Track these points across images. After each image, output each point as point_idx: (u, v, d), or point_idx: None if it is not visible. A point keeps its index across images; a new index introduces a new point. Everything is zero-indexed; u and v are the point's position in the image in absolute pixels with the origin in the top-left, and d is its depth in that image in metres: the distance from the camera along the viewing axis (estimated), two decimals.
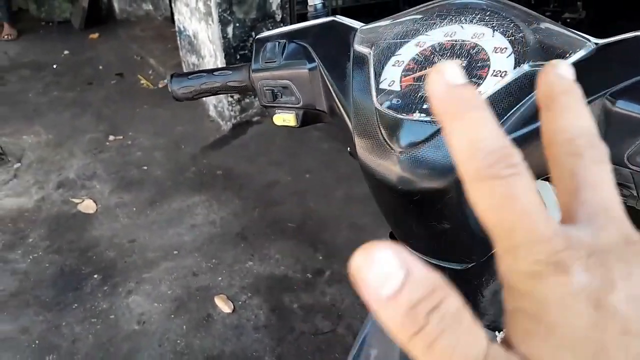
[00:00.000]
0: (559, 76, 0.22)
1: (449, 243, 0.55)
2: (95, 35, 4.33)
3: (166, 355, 1.67)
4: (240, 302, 1.87)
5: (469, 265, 0.57)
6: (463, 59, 0.48)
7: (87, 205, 2.32)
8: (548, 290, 0.17)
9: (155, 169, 2.59)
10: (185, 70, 3.29)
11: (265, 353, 1.68)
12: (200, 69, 3.06)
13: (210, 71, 0.72)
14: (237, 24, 2.68)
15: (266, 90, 0.64)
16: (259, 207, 2.34)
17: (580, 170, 0.20)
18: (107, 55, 3.87)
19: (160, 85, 3.46)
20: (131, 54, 3.88)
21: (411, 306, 0.17)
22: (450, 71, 0.20)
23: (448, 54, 0.49)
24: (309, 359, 1.67)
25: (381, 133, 0.48)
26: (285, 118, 0.65)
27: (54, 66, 3.68)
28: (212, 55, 2.79)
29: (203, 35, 2.83)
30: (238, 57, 2.69)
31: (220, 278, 1.96)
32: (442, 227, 0.52)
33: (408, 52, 0.52)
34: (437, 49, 0.50)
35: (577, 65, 0.44)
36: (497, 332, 0.65)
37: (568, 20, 3.75)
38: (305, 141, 2.81)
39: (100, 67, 3.66)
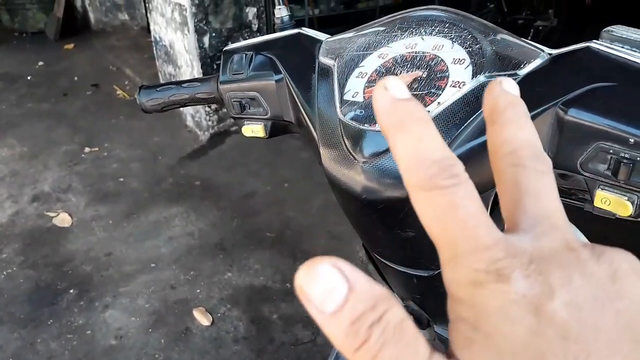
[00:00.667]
0: (504, 91, 0.23)
1: (414, 250, 0.56)
2: (71, 46, 4.29)
3: None
4: (219, 314, 1.85)
5: (435, 272, 0.58)
6: (423, 70, 0.49)
7: (63, 219, 2.28)
8: (488, 299, 0.18)
9: (132, 181, 2.57)
10: (161, 81, 3.27)
11: None
12: (176, 79, 3.04)
13: (179, 83, 0.72)
14: (214, 34, 2.68)
15: (234, 102, 0.65)
16: (238, 218, 2.33)
17: (523, 180, 0.21)
18: (82, 65, 3.83)
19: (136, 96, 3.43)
20: (107, 64, 3.84)
21: (353, 320, 0.17)
22: (395, 86, 0.21)
23: (409, 65, 0.50)
24: None
25: (345, 143, 0.48)
26: (253, 129, 0.66)
27: (28, 77, 3.62)
28: (188, 65, 2.78)
29: (179, 45, 2.82)
30: (215, 66, 2.69)
31: (198, 290, 1.94)
32: (407, 234, 0.53)
33: (371, 63, 0.53)
34: (399, 61, 0.51)
35: (531, 75, 0.45)
36: None
37: (540, 28, 3.83)
38: (283, 151, 2.82)
39: (76, 78, 3.62)
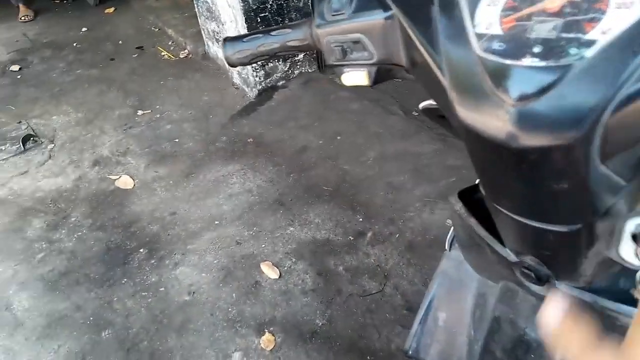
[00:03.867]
0: None
1: (561, 204, 0.50)
2: (111, 10, 4.28)
3: (219, 323, 1.70)
4: (285, 268, 1.87)
5: (575, 227, 0.53)
6: None
7: (125, 181, 2.33)
8: None
9: (187, 141, 2.58)
10: (204, 38, 3.24)
11: (315, 316, 1.70)
12: (221, 35, 2.99)
13: (267, 31, 0.66)
14: None
15: (334, 47, 0.58)
16: (293, 173, 2.32)
17: None
18: (125, 29, 3.83)
19: (181, 56, 3.42)
20: (149, 25, 3.83)
21: None
22: None
23: None
24: (359, 320, 1.67)
25: (487, 84, 0.42)
26: (356, 77, 0.60)
27: (75, 44, 3.65)
28: (232, 20, 2.73)
29: (222, 1, 2.76)
30: (259, 19, 2.62)
31: (263, 245, 1.97)
32: (559, 187, 0.47)
33: None
34: None
35: None
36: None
37: None
38: (332, 103, 2.76)
39: (120, 42, 3.62)
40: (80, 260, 1.97)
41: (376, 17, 0.54)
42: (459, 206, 0.70)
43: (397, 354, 1.57)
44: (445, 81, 0.47)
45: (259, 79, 2.83)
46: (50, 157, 2.55)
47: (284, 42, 0.65)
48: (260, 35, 0.67)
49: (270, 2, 2.63)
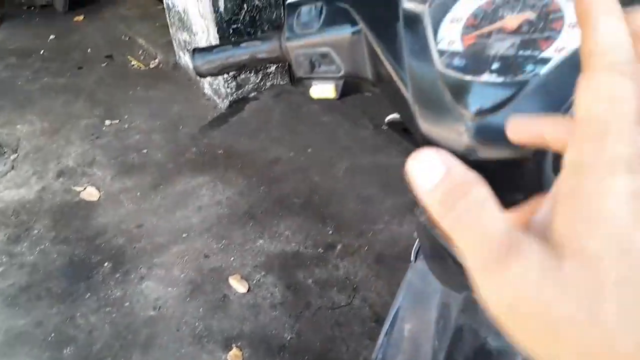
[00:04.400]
0: None
1: None
2: (80, 18, 4.21)
3: (185, 339, 1.67)
4: (254, 281, 1.86)
5: None
6: (531, 12, 0.43)
7: (90, 193, 2.28)
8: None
9: (156, 152, 2.55)
10: (175, 48, 3.21)
11: (284, 330, 1.68)
12: (192, 46, 2.98)
13: (236, 43, 0.66)
14: None
15: (303, 60, 0.59)
16: (264, 185, 2.31)
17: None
18: (94, 37, 3.76)
19: (151, 65, 3.38)
20: (119, 34, 3.77)
21: (445, 194, 0.22)
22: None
23: (512, 7, 0.44)
24: (328, 334, 1.67)
25: (447, 99, 0.43)
26: (323, 90, 0.60)
27: (41, 52, 3.57)
28: (204, 31, 2.71)
29: (193, 11, 2.74)
30: (231, 31, 2.62)
31: (232, 258, 1.95)
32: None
33: (466, 6, 0.47)
34: (500, 2, 0.45)
35: None
36: None
37: None
38: (303, 115, 2.77)
39: (89, 50, 3.56)
40: (42, 275, 1.91)
41: (344, 32, 0.55)
42: (423, 217, 0.71)
43: None
44: (408, 95, 0.48)
45: (231, 90, 2.82)
46: (13, 167, 2.48)
47: (253, 54, 0.65)
48: (230, 46, 0.67)
49: (243, 14, 2.63)
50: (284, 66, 2.93)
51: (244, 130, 2.69)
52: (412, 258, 0.87)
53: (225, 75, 2.77)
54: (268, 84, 2.94)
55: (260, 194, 2.26)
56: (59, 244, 2.04)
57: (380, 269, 1.86)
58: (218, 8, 2.58)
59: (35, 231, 2.11)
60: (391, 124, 0.62)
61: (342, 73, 0.58)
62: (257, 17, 2.68)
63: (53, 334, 1.70)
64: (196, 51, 0.68)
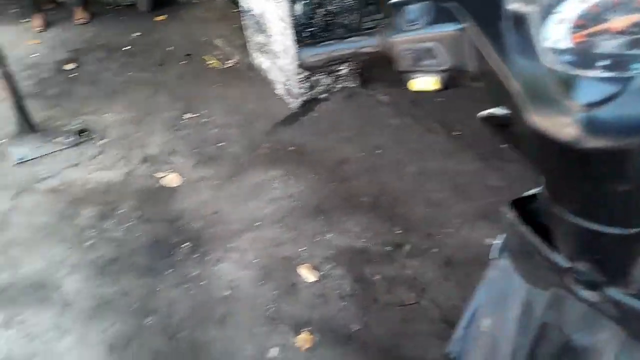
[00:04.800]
0: None
1: (621, 205, 0.55)
2: (162, 18, 4.45)
3: (258, 319, 1.75)
4: (323, 272, 1.92)
5: (633, 230, 0.57)
6: (638, 14, 0.47)
7: (171, 179, 2.42)
8: None
9: (231, 145, 2.67)
10: (249, 50, 3.36)
11: (352, 321, 1.74)
12: (268, 48, 3.11)
13: (340, 38, 0.74)
14: (305, 0, 2.70)
15: (407, 54, 0.65)
16: (334, 182, 2.39)
17: None
18: (174, 36, 3.98)
19: (227, 65, 3.54)
20: (197, 35, 3.97)
21: None
22: None
23: (618, 10, 0.48)
24: (395, 329, 1.71)
25: (555, 92, 0.48)
26: (425, 82, 0.66)
27: (127, 48, 3.81)
28: (280, 33, 2.83)
29: (271, 14, 2.86)
30: (306, 34, 2.72)
31: (302, 249, 2.03)
32: (620, 188, 0.52)
33: (571, 8, 0.51)
34: (606, 5, 0.49)
35: None
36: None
37: None
38: (373, 118, 2.83)
39: (170, 48, 3.76)
40: (127, 249, 2.05)
41: (449, 29, 0.61)
42: (512, 214, 0.75)
43: None
44: (514, 89, 0.53)
45: (303, 90, 2.92)
46: (101, 151, 2.66)
47: (356, 48, 0.72)
48: (334, 41, 0.74)
49: (318, 18, 2.73)
50: (355, 69, 3.00)
51: (315, 129, 2.78)
52: (494, 255, 0.90)
53: (299, 76, 2.88)
54: (339, 86, 3.02)
55: (330, 191, 2.34)
56: (143, 224, 2.18)
57: (449, 272, 1.88)
58: (294, 12, 2.69)
59: (122, 210, 2.26)
60: (485, 119, 0.67)
61: (445, 67, 0.64)
62: (331, 22, 2.77)
63: (137, 304, 1.83)
64: (302, 46, 0.75)
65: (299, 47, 0.78)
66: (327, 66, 0.78)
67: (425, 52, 0.65)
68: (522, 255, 0.80)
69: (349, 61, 0.76)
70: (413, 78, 0.69)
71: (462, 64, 0.64)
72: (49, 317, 1.81)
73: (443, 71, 0.66)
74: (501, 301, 0.87)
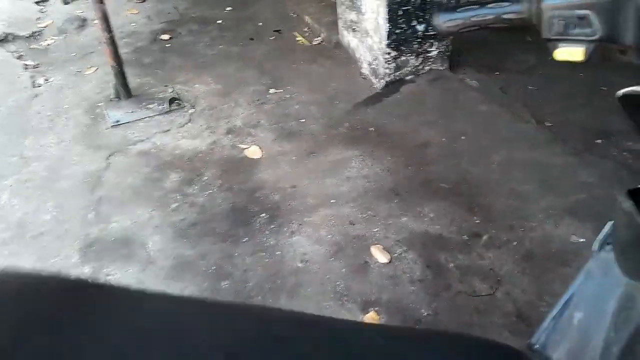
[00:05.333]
0: None
1: None
2: None
3: (327, 293, 1.77)
4: (395, 254, 1.91)
5: None
6: None
7: (253, 151, 2.49)
8: None
9: (312, 122, 2.70)
10: (340, 27, 3.34)
11: (421, 306, 1.71)
12: (359, 26, 3.08)
13: (483, 3, 0.70)
14: None
15: (557, 21, 0.61)
16: (412, 166, 2.34)
17: None
18: (265, 12, 4.05)
19: (315, 42, 3.55)
20: (288, 11, 4.01)
21: None
22: None
23: None
24: (466, 319, 1.67)
25: None
26: (572, 52, 0.62)
27: (219, 21, 3.93)
28: (373, 11, 2.79)
29: None
30: (400, 12, 2.66)
31: (375, 229, 2.01)
32: None
33: None
34: None
35: None
36: None
37: None
38: (460, 103, 2.73)
39: (260, 24, 3.84)
40: (208, 215, 2.14)
41: None
42: (628, 204, 0.70)
43: None
44: None
45: (389, 70, 2.87)
46: (190, 120, 2.78)
47: (498, 14, 0.68)
48: (475, 6, 0.70)
49: None
50: (445, 51, 2.90)
51: (398, 111, 2.73)
52: (596, 247, 0.85)
53: (387, 56, 2.83)
54: (427, 68, 2.94)
55: (407, 174, 2.30)
56: (224, 192, 2.26)
57: (528, 267, 1.80)
58: None
59: (205, 177, 2.36)
60: (626, 97, 0.61)
61: (598, 36, 0.58)
62: (427, 1, 2.69)
63: (214, 267, 1.91)
64: (439, 9, 0.72)
65: (436, 11, 0.75)
66: (464, 32, 0.75)
67: (578, 19, 0.61)
68: (631, 247, 0.75)
69: (487, 28, 0.72)
70: (559, 47, 0.65)
71: (616, 36, 0.59)
72: (132, 272, 1.94)
73: (593, 41, 0.62)
74: (598, 295, 0.84)
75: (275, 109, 2.82)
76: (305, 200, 2.17)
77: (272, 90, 2.99)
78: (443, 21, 0.72)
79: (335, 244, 1.96)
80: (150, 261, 1.98)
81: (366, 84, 3.02)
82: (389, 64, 2.84)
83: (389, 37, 2.74)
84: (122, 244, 2.06)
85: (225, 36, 3.70)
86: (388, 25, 2.68)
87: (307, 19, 3.85)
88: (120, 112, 2.85)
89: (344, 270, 1.85)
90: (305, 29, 3.75)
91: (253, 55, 3.40)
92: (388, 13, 2.63)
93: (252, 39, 3.62)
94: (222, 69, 3.25)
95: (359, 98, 2.89)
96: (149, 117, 2.82)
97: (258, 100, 2.91)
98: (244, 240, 2.00)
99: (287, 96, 2.94)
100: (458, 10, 0.71)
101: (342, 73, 3.13)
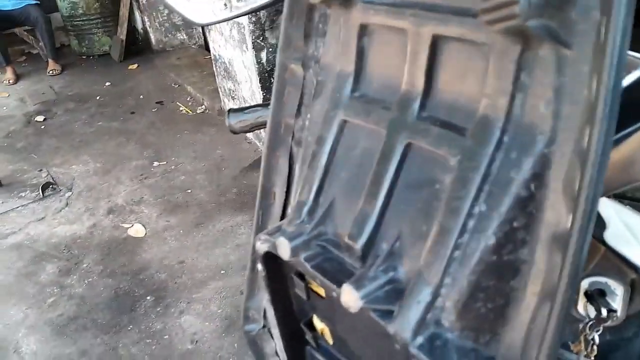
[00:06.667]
0: None
1: None
2: (134, 66, 4.51)
3: None
4: None
5: None
6: None
7: (137, 230, 2.40)
8: None
9: (199, 192, 2.67)
10: (221, 96, 3.40)
11: None
12: (236, 94, 3.15)
13: (267, 105, 0.76)
14: (270, 49, 2.76)
15: None
16: None
17: None
18: (146, 84, 4.03)
19: (198, 111, 3.57)
20: (169, 82, 4.02)
21: None
22: None
23: None
24: None
25: None
26: None
27: (98, 97, 3.84)
28: (247, 80, 2.87)
29: (238, 62, 2.92)
30: (272, 80, 2.76)
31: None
32: None
33: None
34: None
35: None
36: None
37: None
38: None
39: (141, 96, 3.81)
40: (89, 306, 2.01)
41: None
42: None
43: None
44: None
45: None
46: (67, 204, 2.64)
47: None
48: (260, 108, 0.76)
49: None
50: None
51: None
52: None
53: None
54: None
55: None
56: (106, 278, 2.14)
57: None
58: (260, 60, 2.74)
59: (85, 265, 2.23)
60: None
61: None
62: None
63: None
64: (231, 111, 0.78)
65: (227, 113, 0.80)
66: (254, 130, 0.80)
67: None
68: None
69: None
70: None
71: None
72: None
73: None
74: None
75: (160, 182, 2.76)
76: (193, 276, 2.11)
77: (155, 163, 2.94)
78: (234, 121, 0.77)
79: (226, 318, 1.91)
80: None
81: (251, 148, 3.07)
82: None
83: None
84: None
85: (105, 112, 3.61)
86: (262, 92, 2.77)
87: (189, 88, 3.87)
88: None
89: (236, 345, 1.80)
90: (188, 99, 3.76)
91: (135, 129, 3.34)
92: (260, 81, 2.72)
93: (133, 113, 3.57)
94: (102, 147, 3.15)
95: (245, 162, 2.92)
96: (21, 206, 2.64)
97: (141, 175, 2.84)
98: (129, 328, 1.90)
99: (172, 167, 2.90)
100: (246, 112, 0.76)
101: (227, 139, 3.16)
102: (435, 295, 0.49)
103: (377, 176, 0.57)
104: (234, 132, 0.81)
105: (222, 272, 2.13)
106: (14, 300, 2.08)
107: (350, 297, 0.54)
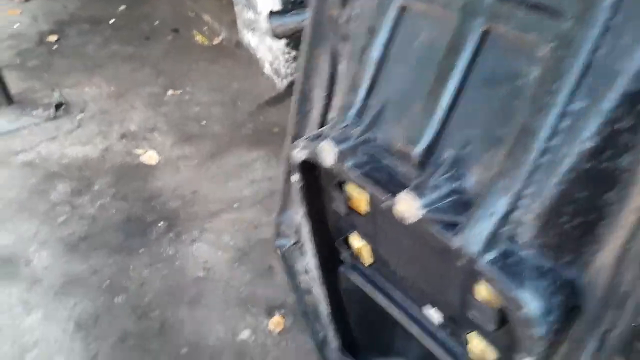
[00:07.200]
0: None
1: None
2: None
3: (230, 301, 1.72)
4: None
5: None
6: None
7: (150, 157, 2.37)
8: None
9: (213, 124, 2.62)
10: (239, 26, 3.27)
11: None
12: (256, 25, 3.03)
13: None
14: None
15: None
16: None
17: None
18: (162, 11, 3.88)
19: (215, 42, 3.45)
20: (185, 10, 3.87)
21: None
22: None
23: None
24: None
25: None
26: None
27: (112, 21, 3.71)
28: (268, 9, 2.75)
29: None
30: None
31: None
32: None
33: None
34: None
35: None
36: None
37: None
38: None
39: (156, 23, 3.67)
40: (100, 227, 2.00)
41: None
42: None
43: None
44: None
45: (290, 70, 2.85)
46: (79, 125, 2.60)
47: None
48: (304, 10, 0.69)
49: None
50: None
51: None
52: None
53: (286, 56, 2.81)
54: None
55: None
56: (118, 201, 2.13)
57: None
58: None
59: (97, 187, 2.21)
60: None
61: None
62: None
63: (108, 282, 1.78)
64: (273, 13, 0.71)
65: (269, 15, 0.73)
66: (295, 35, 0.74)
67: None
68: None
69: None
70: None
71: None
72: (17, 292, 1.77)
73: None
74: None
75: (174, 111, 2.70)
76: (206, 206, 2.10)
77: (170, 92, 2.87)
78: (276, 25, 0.71)
79: (239, 249, 1.91)
80: (36, 280, 1.82)
81: (269, 83, 2.98)
82: (289, 63, 2.82)
83: None
84: (4, 262, 1.87)
85: (119, 36, 3.50)
86: (267, 14, 2.66)
87: (206, 17, 3.73)
88: (2, 121, 2.60)
89: (248, 275, 1.80)
90: (205, 28, 3.63)
91: (149, 55, 3.24)
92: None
93: (147, 39, 3.46)
94: (115, 71, 3.07)
95: (261, 98, 2.85)
96: (33, 124, 2.60)
97: (155, 102, 2.78)
98: (140, 251, 1.89)
99: (187, 97, 2.83)
100: (289, 14, 0.70)
101: (244, 73, 3.07)
102: (513, 207, 0.45)
103: (443, 72, 0.51)
104: (276, 37, 0.76)
105: (235, 205, 2.11)
106: (25, 216, 2.07)
107: (408, 207, 0.49)
